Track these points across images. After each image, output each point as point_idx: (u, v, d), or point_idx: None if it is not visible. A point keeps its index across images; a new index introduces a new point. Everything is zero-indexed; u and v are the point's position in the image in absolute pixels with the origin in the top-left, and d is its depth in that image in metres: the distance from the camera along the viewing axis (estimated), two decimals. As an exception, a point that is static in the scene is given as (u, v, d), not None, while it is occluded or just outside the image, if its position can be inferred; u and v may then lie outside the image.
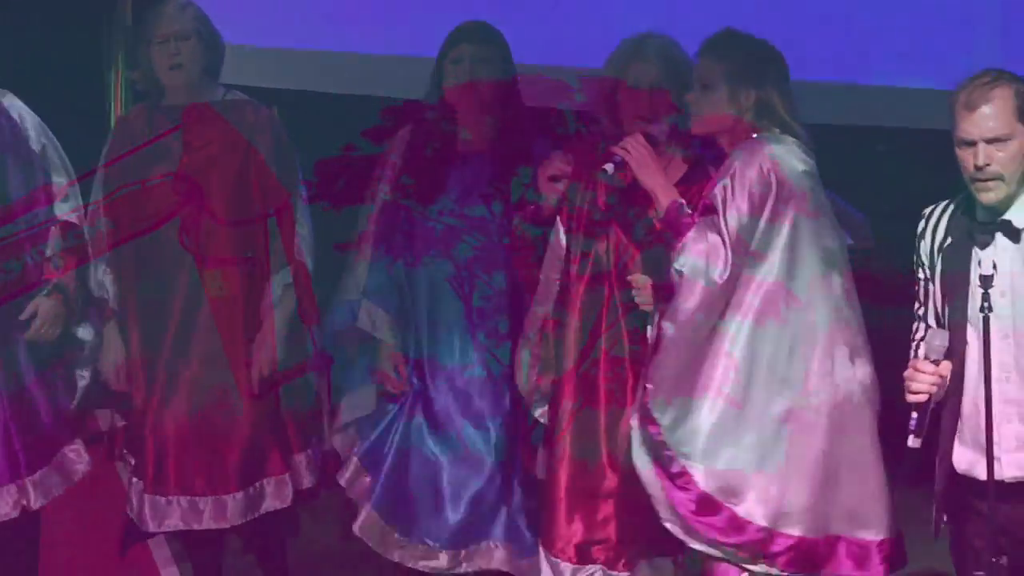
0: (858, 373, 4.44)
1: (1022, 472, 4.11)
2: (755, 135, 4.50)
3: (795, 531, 4.42)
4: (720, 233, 4.44)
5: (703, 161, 4.90)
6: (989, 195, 4.07)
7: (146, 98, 5.56)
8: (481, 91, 5.60)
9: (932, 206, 4.32)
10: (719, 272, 4.45)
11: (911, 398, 4.11)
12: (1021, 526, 4.12)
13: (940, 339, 4.10)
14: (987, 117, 4.03)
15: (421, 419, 5.82)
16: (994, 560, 4.03)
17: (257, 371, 5.44)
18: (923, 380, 4.09)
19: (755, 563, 4.44)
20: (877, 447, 4.47)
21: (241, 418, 5.37)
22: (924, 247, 4.26)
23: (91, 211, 5.33)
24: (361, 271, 6.00)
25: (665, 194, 4.61)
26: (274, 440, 5.40)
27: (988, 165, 4.04)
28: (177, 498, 5.42)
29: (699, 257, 4.48)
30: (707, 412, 4.45)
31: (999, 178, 4.05)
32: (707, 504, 4.45)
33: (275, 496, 5.39)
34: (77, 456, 5.37)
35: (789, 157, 4.45)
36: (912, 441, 4.07)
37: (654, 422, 4.47)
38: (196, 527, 5.39)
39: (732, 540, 4.42)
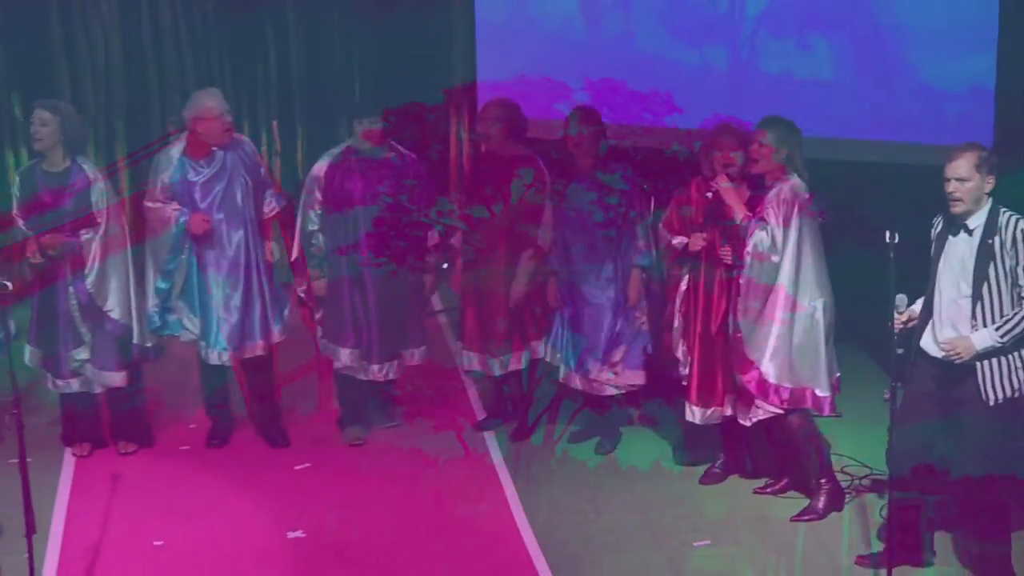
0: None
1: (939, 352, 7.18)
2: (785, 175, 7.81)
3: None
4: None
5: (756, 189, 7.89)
6: (954, 208, 7.12)
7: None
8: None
9: (939, 215, 7.31)
10: (767, 247, 7.68)
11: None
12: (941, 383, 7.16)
13: (899, 300, 7.03)
14: (958, 166, 7.04)
15: None
16: (895, 385, 7.00)
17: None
18: (899, 320, 7.12)
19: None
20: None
21: None
22: (932, 233, 7.24)
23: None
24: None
25: (740, 208, 7.80)
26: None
27: (954, 193, 7.07)
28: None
29: (760, 239, 7.70)
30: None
31: (960, 200, 7.08)
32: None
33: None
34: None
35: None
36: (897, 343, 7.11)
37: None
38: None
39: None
